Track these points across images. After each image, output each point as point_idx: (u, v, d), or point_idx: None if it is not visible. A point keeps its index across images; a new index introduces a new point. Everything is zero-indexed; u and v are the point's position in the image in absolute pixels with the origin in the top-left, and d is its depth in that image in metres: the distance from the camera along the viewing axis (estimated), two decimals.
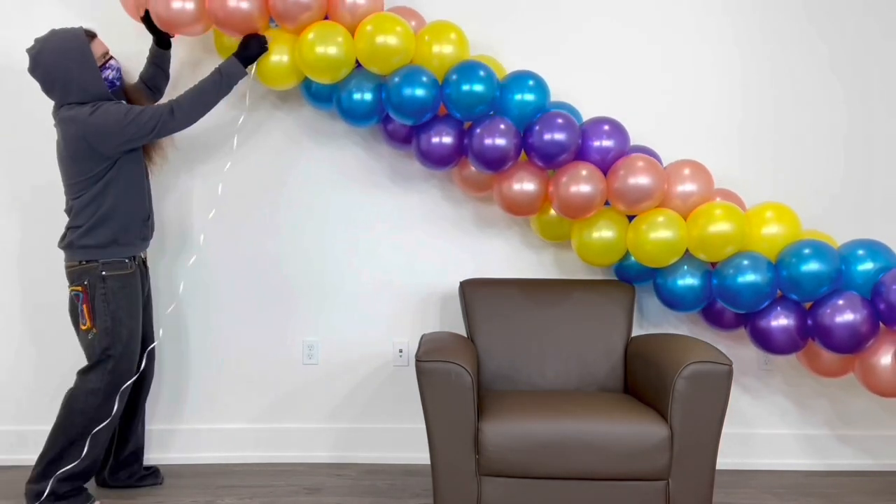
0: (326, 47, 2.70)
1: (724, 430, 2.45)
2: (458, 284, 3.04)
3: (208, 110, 2.71)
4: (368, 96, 2.81)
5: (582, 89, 3.08)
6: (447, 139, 2.83)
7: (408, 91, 2.71)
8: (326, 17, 2.79)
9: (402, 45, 2.71)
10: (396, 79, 2.73)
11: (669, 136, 3.09)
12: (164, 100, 2.79)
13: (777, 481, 3.03)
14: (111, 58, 2.66)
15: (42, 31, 2.60)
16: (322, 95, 2.91)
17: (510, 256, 3.19)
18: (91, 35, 2.61)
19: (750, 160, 3.16)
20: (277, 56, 2.79)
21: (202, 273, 3.12)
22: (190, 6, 2.69)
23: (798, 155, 3.17)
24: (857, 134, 3.17)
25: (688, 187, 2.80)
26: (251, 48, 2.72)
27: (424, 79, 2.74)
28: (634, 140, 2.94)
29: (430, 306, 3.19)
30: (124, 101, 2.66)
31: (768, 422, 3.19)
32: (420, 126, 2.85)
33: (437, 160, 2.87)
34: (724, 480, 2.94)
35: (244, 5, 2.66)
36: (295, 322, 3.18)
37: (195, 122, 2.70)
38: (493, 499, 2.42)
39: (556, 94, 2.96)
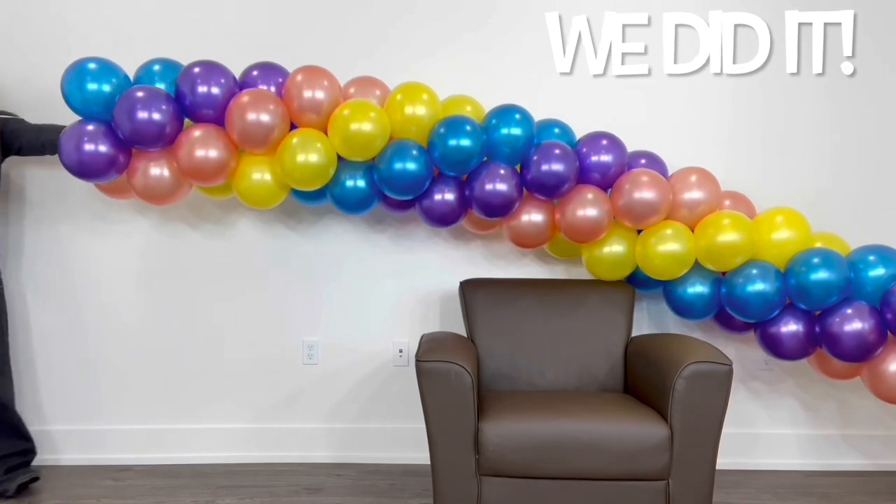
0: (307, 155, 2.61)
1: (725, 430, 2.45)
2: (458, 284, 3.04)
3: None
4: (362, 182, 2.75)
5: (585, 98, 3.09)
6: (449, 195, 2.78)
7: (399, 166, 2.65)
8: (292, 127, 2.71)
9: (377, 130, 2.62)
10: (385, 158, 2.67)
11: (674, 140, 3.09)
12: None
13: (777, 481, 3.03)
14: None
15: None
16: (312, 193, 2.83)
17: (510, 256, 3.19)
18: None
19: (758, 161, 3.14)
20: (259, 174, 2.71)
21: (202, 273, 3.13)
22: (166, 173, 2.68)
23: (806, 155, 3.15)
24: (869, 133, 3.14)
25: (695, 195, 2.78)
26: None
27: (414, 152, 2.67)
28: (639, 146, 2.94)
29: (430, 306, 3.19)
30: None
31: (768, 422, 3.19)
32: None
33: (439, 218, 2.81)
34: (724, 480, 2.95)
35: (212, 154, 2.61)
36: (295, 322, 3.18)
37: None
38: (493, 499, 2.42)
39: (557, 106, 2.97)
